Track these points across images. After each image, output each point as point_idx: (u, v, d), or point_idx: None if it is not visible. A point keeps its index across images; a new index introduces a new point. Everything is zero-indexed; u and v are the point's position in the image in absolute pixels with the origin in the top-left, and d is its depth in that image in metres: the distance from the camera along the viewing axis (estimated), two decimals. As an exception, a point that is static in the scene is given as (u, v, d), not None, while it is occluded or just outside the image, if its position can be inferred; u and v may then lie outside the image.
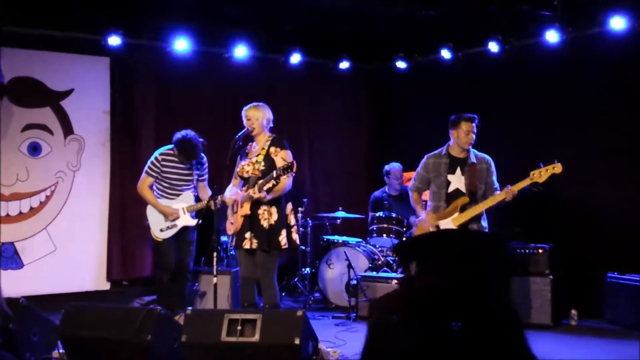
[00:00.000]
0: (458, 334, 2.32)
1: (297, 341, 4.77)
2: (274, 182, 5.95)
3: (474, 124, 6.37)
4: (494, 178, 6.42)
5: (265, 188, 5.93)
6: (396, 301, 2.53)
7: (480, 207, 6.26)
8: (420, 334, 2.36)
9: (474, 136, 6.38)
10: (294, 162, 5.88)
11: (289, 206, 6.24)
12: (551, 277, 7.12)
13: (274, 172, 5.87)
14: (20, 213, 7.89)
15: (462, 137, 6.35)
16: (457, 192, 6.38)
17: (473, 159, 6.41)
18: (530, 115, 8.09)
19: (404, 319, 2.40)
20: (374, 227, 8.14)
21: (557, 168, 6.06)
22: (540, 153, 7.37)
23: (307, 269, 8.48)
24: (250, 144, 6.32)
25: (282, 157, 6.08)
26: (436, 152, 6.55)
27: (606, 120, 7.50)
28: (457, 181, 6.39)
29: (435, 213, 6.41)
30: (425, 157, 6.61)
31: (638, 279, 6.80)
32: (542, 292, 7.11)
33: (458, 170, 6.40)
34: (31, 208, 7.95)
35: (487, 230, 6.36)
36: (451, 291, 2.36)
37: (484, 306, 2.37)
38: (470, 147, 6.43)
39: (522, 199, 6.28)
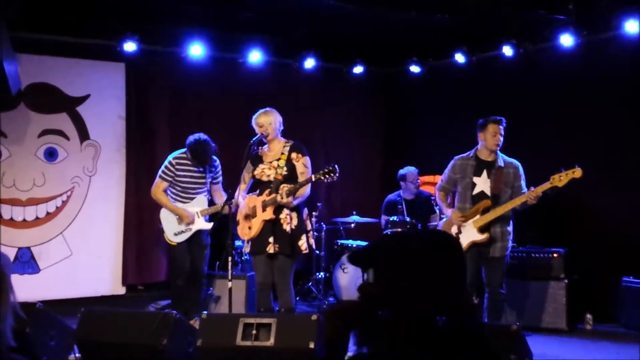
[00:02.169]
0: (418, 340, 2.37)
1: (312, 345, 4.77)
2: (297, 187, 5.95)
3: (501, 126, 6.38)
4: (522, 183, 6.40)
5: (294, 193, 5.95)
6: (351, 310, 2.60)
7: (501, 210, 6.24)
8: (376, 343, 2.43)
9: (501, 138, 6.38)
10: (336, 167, 5.88)
11: (306, 211, 6.25)
12: (566, 281, 7.11)
13: (312, 175, 5.89)
14: (37, 218, 7.95)
15: (489, 139, 6.37)
16: (482, 195, 6.38)
17: (501, 163, 6.41)
18: (545, 120, 8.08)
19: (360, 326, 2.48)
20: (388, 231, 8.13)
21: (577, 173, 6.04)
22: (554, 157, 7.37)
23: (322, 274, 8.49)
24: (260, 147, 6.31)
25: (303, 163, 6.10)
26: (464, 154, 6.57)
27: (621, 124, 7.48)
28: (482, 184, 6.39)
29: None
30: (454, 158, 6.63)
31: (654, 283, 6.79)
32: (557, 297, 7.10)
33: (484, 173, 6.40)
34: (47, 213, 8.01)
35: (511, 235, 6.36)
36: (406, 294, 2.41)
37: (441, 306, 2.42)
38: (498, 150, 6.44)
39: (537, 203, 6.27)
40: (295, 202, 5.98)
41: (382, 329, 2.42)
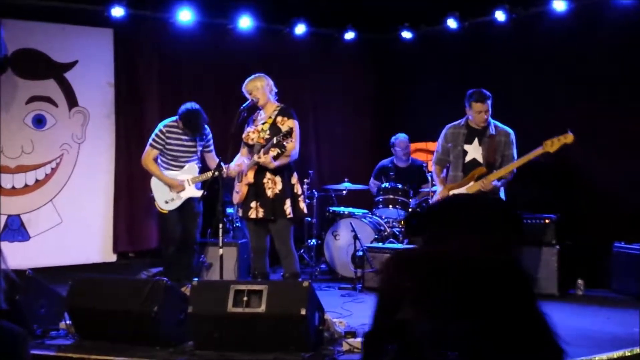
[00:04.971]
0: (470, 302, 2.32)
1: (303, 312, 4.77)
2: (279, 151, 5.92)
3: (485, 103, 6.31)
4: (513, 151, 6.37)
5: (271, 154, 5.92)
6: (411, 264, 2.52)
7: (493, 177, 6.22)
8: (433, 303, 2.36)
9: (485, 115, 6.33)
10: (295, 127, 5.95)
11: (295, 175, 6.21)
12: (558, 247, 7.10)
13: (274, 138, 5.87)
14: (26, 185, 7.90)
15: (475, 116, 6.35)
16: (474, 162, 6.36)
17: (492, 131, 6.37)
18: (538, 84, 8.02)
19: (419, 284, 2.40)
20: (380, 198, 8.12)
21: (569, 138, 6.02)
22: (548, 122, 7.34)
23: (313, 240, 8.48)
24: (257, 111, 6.29)
25: (289, 125, 6.06)
26: (456, 122, 6.54)
27: (615, 89, 7.44)
28: (474, 151, 6.37)
29: (453, 182, 6.41)
30: (445, 127, 6.60)
31: (645, 248, 6.80)
32: (549, 262, 7.10)
33: (476, 141, 6.38)
34: (37, 180, 7.95)
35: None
36: (464, 259, 2.36)
37: (497, 273, 2.37)
38: (490, 120, 6.39)
39: (529, 168, 6.25)
40: (275, 163, 5.95)
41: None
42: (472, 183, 6.26)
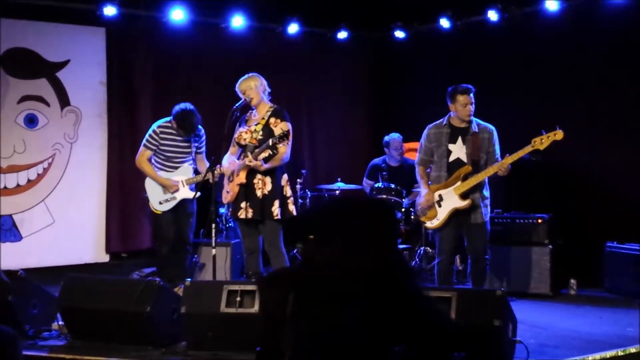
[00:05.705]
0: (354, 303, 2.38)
1: (296, 312, 4.77)
2: (271, 152, 5.93)
3: (470, 95, 6.27)
4: (496, 148, 6.34)
5: (261, 157, 5.92)
6: (287, 278, 2.58)
7: (483, 175, 6.20)
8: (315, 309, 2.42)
9: (472, 107, 6.28)
10: (290, 130, 5.95)
11: (285, 177, 6.20)
12: (550, 247, 7.12)
13: (270, 140, 5.87)
14: (18, 185, 7.86)
15: (460, 109, 6.26)
16: (459, 162, 6.32)
17: (475, 128, 6.33)
18: (531, 84, 8.04)
19: (299, 294, 2.45)
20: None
21: (559, 135, 6.00)
22: (540, 121, 7.30)
23: (306, 241, 8.45)
24: (250, 111, 6.28)
25: (282, 128, 6.05)
26: (437, 122, 6.47)
27: (607, 88, 7.46)
28: (458, 150, 6.32)
29: (437, 182, 6.36)
30: (427, 128, 6.53)
31: (637, 248, 6.80)
32: (541, 262, 7.11)
33: (459, 140, 6.32)
34: (29, 180, 7.92)
35: (489, 199, 6.32)
36: (343, 261, 2.41)
37: (378, 271, 2.43)
38: (472, 117, 6.35)
39: (521, 168, 6.24)
40: (266, 166, 5.96)
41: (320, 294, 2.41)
42: (459, 183, 6.23)
